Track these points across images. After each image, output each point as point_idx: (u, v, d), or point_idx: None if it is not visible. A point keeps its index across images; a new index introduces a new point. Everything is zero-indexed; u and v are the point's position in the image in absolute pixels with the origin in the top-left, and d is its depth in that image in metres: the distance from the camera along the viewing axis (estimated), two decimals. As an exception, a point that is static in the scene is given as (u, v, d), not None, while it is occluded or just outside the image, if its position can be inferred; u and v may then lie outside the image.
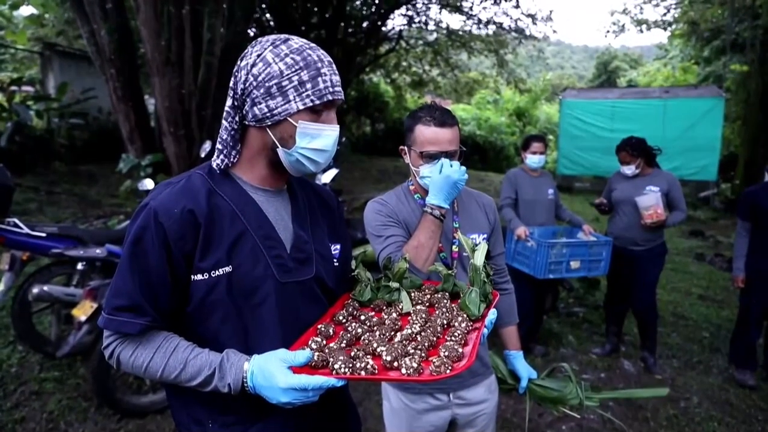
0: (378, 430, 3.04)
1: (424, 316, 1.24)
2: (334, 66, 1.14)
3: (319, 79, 1.10)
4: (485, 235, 1.78)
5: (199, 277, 1.09)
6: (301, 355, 1.02)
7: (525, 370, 1.87)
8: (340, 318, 1.25)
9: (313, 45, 1.14)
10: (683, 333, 4.72)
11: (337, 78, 1.14)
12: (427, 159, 1.65)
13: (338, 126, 1.18)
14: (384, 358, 1.04)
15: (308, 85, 1.09)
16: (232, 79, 1.14)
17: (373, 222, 1.71)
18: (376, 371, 1.02)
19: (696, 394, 3.60)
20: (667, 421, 3.26)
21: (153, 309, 1.07)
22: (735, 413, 3.38)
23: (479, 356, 1.78)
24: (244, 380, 1.04)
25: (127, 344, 1.10)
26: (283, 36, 1.13)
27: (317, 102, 1.10)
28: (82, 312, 2.84)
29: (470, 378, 1.78)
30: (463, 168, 1.64)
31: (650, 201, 3.67)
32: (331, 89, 1.12)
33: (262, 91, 1.09)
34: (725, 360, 4.09)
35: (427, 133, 1.65)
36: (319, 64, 1.10)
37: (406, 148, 1.75)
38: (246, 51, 1.14)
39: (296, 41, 1.12)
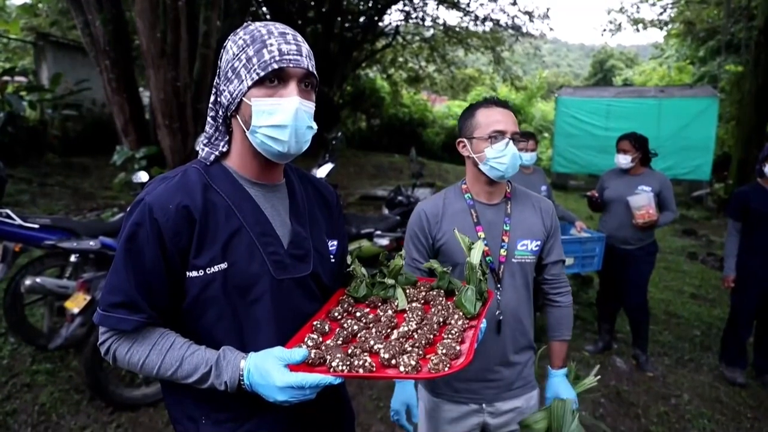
0: (370, 425, 3.05)
1: (419, 313, 1.23)
2: (289, 36, 1.08)
3: (264, 50, 1.04)
4: (538, 242, 1.70)
5: (194, 273, 1.08)
6: (297, 353, 1.01)
7: (553, 390, 1.72)
8: (336, 314, 1.24)
9: (271, 23, 1.10)
10: (675, 331, 4.76)
11: (290, 47, 1.06)
12: (494, 139, 1.62)
13: (296, 98, 1.07)
14: (382, 355, 1.04)
15: (254, 60, 1.05)
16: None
17: (409, 231, 1.77)
18: (374, 369, 1.01)
19: (687, 392, 3.63)
20: (657, 418, 3.29)
21: (148, 306, 1.06)
22: (725, 410, 3.41)
23: (517, 371, 1.74)
24: (241, 378, 1.03)
25: (122, 341, 1.09)
26: (248, 23, 1.12)
27: (262, 73, 1.04)
28: (75, 304, 2.83)
29: (506, 390, 1.73)
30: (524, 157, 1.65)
31: (642, 201, 3.68)
32: (277, 57, 1.04)
33: (223, 78, 1.10)
34: (716, 358, 4.12)
35: (493, 114, 1.64)
36: (266, 36, 1.05)
37: (465, 140, 1.71)
38: None
39: (256, 24, 1.10)
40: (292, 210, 1.24)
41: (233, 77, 1.07)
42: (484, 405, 1.74)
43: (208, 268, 1.08)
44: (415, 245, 1.74)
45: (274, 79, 1.06)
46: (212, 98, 1.16)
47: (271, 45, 1.05)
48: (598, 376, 1.76)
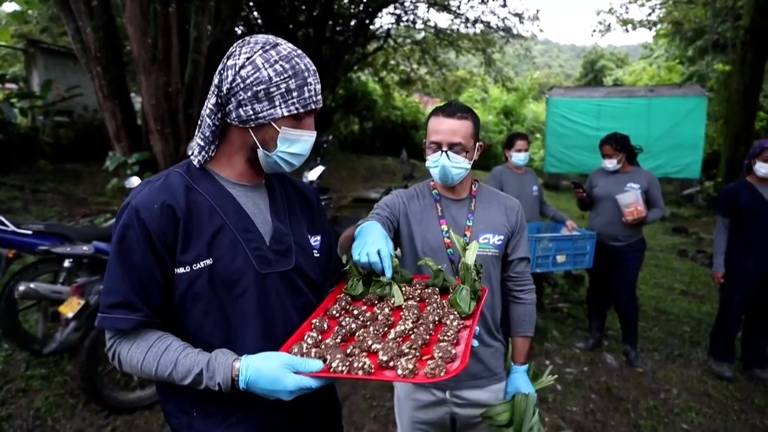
0: (364, 424, 3.08)
1: (415, 311, 1.26)
2: (317, 74, 1.20)
3: (305, 88, 1.15)
4: (501, 237, 1.75)
5: (182, 270, 1.13)
6: (314, 365, 1.05)
7: (514, 385, 1.76)
8: (333, 312, 1.28)
9: (300, 52, 1.18)
10: (665, 327, 4.82)
11: (319, 86, 1.20)
12: (430, 149, 1.70)
13: (315, 132, 1.23)
14: (380, 357, 1.07)
15: (294, 94, 1.14)
16: (217, 76, 1.16)
17: (380, 201, 1.83)
18: (373, 371, 1.05)
19: (676, 386, 3.69)
20: (647, 412, 3.34)
21: (144, 304, 1.10)
22: (713, 404, 3.47)
23: (482, 361, 1.77)
24: (235, 379, 1.07)
25: (123, 343, 1.13)
26: (272, 40, 1.16)
27: (302, 110, 1.16)
28: (69, 309, 2.85)
29: (469, 380, 1.77)
30: (462, 165, 1.67)
31: (631, 198, 3.74)
32: (314, 98, 1.18)
33: (249, 94, 1.12)
34: (705, 353, 4.18)
35: (436, 124, 1.69)
36: (306, 74, 1.15)
37: (425, 141, 1.79)
38: (233, 50, 1.15)
39: (285, 47, 1.15)
40: (272, 208, 1.29)
41: (264, 98, 1.12)
42: (447, 393, 1.78)
43: (195, 264, 1.13)
44: (382, 208, 1.76)
45: (304, 114, 1.19)
46: (213, 100, 1.17)
47: (311, 85, 1.17)
48: (555, 376, 1.82)
